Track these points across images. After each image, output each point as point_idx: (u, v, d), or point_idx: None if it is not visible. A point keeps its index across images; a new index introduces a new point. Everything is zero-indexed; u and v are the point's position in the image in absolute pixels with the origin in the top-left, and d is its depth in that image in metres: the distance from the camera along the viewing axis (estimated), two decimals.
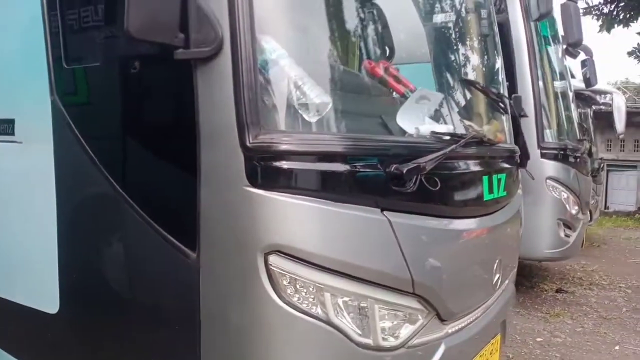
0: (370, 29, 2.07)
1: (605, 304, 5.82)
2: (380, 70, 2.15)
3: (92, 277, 1.89)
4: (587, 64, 7.18)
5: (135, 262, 1.80)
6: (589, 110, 9.84)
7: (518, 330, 4.86)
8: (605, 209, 15.28)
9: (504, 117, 3.17)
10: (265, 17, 1.65)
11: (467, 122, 2.76)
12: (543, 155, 5.06)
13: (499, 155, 2.68)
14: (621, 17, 13.18)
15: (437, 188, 1.89)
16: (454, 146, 1.96)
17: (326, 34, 1.86)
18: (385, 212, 1.73)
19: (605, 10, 13.21)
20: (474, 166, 2.26)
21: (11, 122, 2.07)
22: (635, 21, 13.31)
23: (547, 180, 5.08)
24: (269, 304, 1.56)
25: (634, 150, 15.16)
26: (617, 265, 8.01)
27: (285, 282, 1.58)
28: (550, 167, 5.10)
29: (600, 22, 13.19)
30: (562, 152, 5.19)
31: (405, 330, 1.87)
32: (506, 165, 2.75)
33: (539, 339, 4.67)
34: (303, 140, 1.60)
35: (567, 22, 4.66)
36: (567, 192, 5.20)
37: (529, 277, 6.68)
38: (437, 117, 2.33)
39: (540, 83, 5.24)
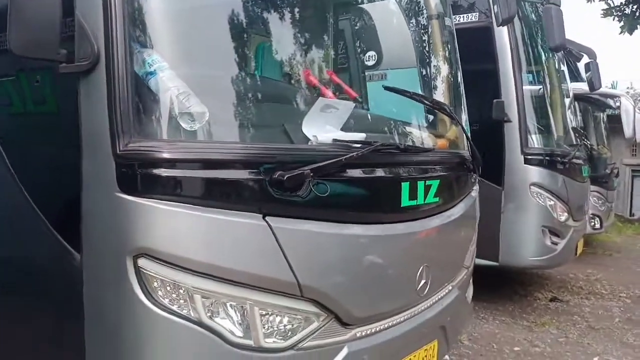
0: (262, 35, 2.11)
1: (598, 314, 5.67)
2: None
3: None
4: (591, 67, 7.04)
5: (28, 260, 1.91)
6: (601, 114, 9.58)
7: (497, 338, 4.80)
8: (630, 215, 14.78)
9: (450, 124, 3.17)
10: (145, 30, 1.73)
11: (400, 130, 2.79)
12: (527, 161, 5.00)
13: (431, 161, 2.69)
14: None
15: (328, 194, 1.92)
16: (353, 154, 1.99)
17: (213, 44, 1.93)
18: (267, 218, 1.78)
19: (627, 11, 12.85)
20: (384, 173, 2.28)
21: None
22: None
23: (531, 187, 5.01)
24: (139, 305, 1.63)
25: None
26: (624, 274, 7.77)
27: (156, 285, 1.65)
28: (535, 173, 5.02)
29: (622, 24, 12.83)
30: (547, 157, 5.10)
31: (297, 333, 1.91)
32: (442, 172, 2.75)
33: (516, 348, 4.60)
34: (174, 148, 1.66)
35: (548, 25, 4.59)
36: (553, 198, 5.10)
37: (525, 285, 6.57)
38: (350, 125, 2.35)
39: (527, 87, 5.17)
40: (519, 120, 4.96)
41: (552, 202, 5.08)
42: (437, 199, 2.62)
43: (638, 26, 12.91)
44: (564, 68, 6.76)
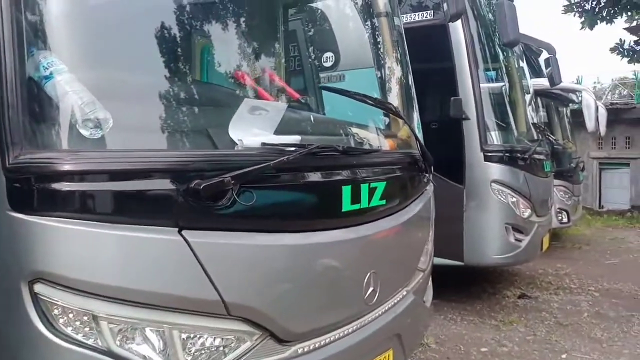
0: (179, 32, 1.96)
1: (566, 310, 5.64)
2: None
3: None
4: (551, 63, 7.07)
5: None
6: (565, 109, 9.66)
7: (465, 340, 4.71)
8: (600, 208, 15.00)
9: (398, 123, 3.07)
10: (39, 30, 1.57)
11: (345, 131, 2.67)
12: (487, 158, 4.94)
13: (376, 162, 2.57)
14: (604, 13, 13.00)
15: (256, 203, 1.78)
16: (283, 158, 1.86)
17: (119, 44, 1.77)
18: (184, 232, 1.63)
19: (587, 6, 13.04)
20: (322, 177, 2.15)
21: None
22: (619, 17, 13.13)
23: (492, 184, 4.95)
24: (37, 336, 1.47)
25: (626, 148, 14.87)
26: (593, 267, 7.81)
27: (56, 312, 1.48)
28: (495, 170, 4.96)
29: (582, 19, 13.01)
30: (507, 154, 5.05)
31: (228, 355, 1.77)
32: (388, 173, 2.63)
33: (483, 349, 4.52)
34: (74, 159, 1.50)
35: (501, 21, 4.55)
36: (515, 195, 5.05)
37: (494, 282, 6.52)
38: (291, 127, 2.23)
39: (484, 84, 5.12)
40: (477, 118, 4.90)
41: (514, 199, 5.02)
42: (383, 202, 2.50)
43: (598, 21, 13.13)
44: (524, 64, 6.76)
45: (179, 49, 1.95)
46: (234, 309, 1.74)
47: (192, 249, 1.62)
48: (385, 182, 2.53)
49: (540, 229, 5.57)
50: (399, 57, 3.50)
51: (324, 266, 2.11)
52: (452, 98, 4.85)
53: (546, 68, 7.20)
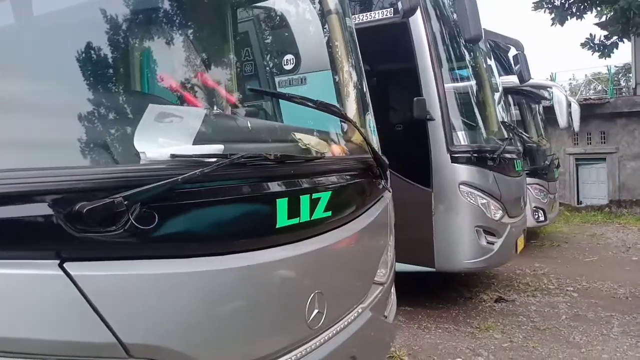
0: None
1: (544, 312, 5.46)
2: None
3: None
4: (519, 60, 6.94)
5: None
6: (537, 106, 9.55)
7: (439, 350, 4.50)
8: (578, 204, 14.97)
9: (349, 128, 2.84)
10: None
11: (285, 137, 2.45)
12: (454, 160, 4.74)
13: (319, 171, 2.33)
14: (574, 9, 13.03)
15: (161, 226, 1.54)
16: (194, 172, 1.61)
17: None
18: (67, 265, 1.37)
19: (557, 2, 13.06)
20: (250, 190, 1.90)
21: None
22: (589, 12, 13.16)
23: (461, 186, 4.76)
24: None
25: (601, 142, 14.86)
26: (571, 266, 7.67)
27: None
28: (463, 172, 4.77)
29: (552, 16, 13.03)
30: (475, 154, 4.86)
31: None
32: (335, 182, 2.41)
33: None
34: None
35: (462, 17, 4.37)
36: (485, 196, 4.87)
37: (471, 286, 6.33)
38: (211, 136, 1.99)
39: (449, 84, 4.94)
40: (443, 118, 4.71)
41: (484, 201, 4.83)
42: (329, 213, 2.27)
43: (568, 17, 13.16)
44: (492, 62, 6.61)
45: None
46: (136, 350, 1.48)
47: (76, 284, 1.37)
48: (331, 192, 2.30)
49: (514, 230, 5.39)
50: (349, 58, 3.27)
51: (254, 291, 1.86)
52: (415, 98, 4.65)
53: (515, 65, 7.06)
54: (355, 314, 2.55)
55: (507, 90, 8.13)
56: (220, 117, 2.25)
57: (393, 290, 3.25)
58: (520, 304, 5.78)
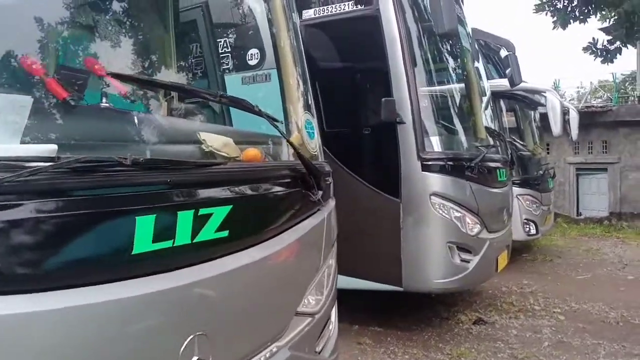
0: None
1: (525, 338, 4.97)
2: None
3: None
4: (510, 61, 6.47)
5: None
6: (532, 112, 9.07)
7: None
8: (577, 215, 14.44)
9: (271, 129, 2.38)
10: None
11: (169, 137, 2.00)
12: (425, 168, 4.28)
13: (217, 180, 1.88)
14: (577, 12, 12.53)
15: None
16: None
17: None
18: None
19: (559, 5, 12.56)
20: (88, 205, 1.45)
21: None
22: (593, 16, 12.66)
23: (432, 197, 4.29)
24: None
25: (603, 152, 14.31)
26: (562, 284, 7.18)
27: None
28: (435, 182, 4.31)
29: (554, 19, 12.52)
30: (450, 162, 4.39)
31: None
32: (240, 194, 1.96)
33: None
34: None
35: (436, 10, 3.94)
36: (460, 209, 4.40)
37: (450, 305, 5.85)
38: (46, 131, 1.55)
39: (424, 84, 4.48)
40: (414, 121, 4.25)
41: (458, 214, 4.37)
42: (224, 234, 1.83)
43: (571, 21, 12.65)
44: (479, 63, 6.15)
45: None
46: None
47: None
48: (231, 207, 1.86)
49: (494, 246, 4.91)
50: (289, 56, 2.84)
51: (93, 339, 1.41)
52: (384, 99, 4.20)
53: (505, 67, 6.59)
54: (268, 354, 2.10)
55: (499, 95, 7.68)
56: (82, 110, 1.80)
57: (334, 318, 2.80)
58: (501, 326, 5.29)
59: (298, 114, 2.69)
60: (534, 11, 12.81)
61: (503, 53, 6.86)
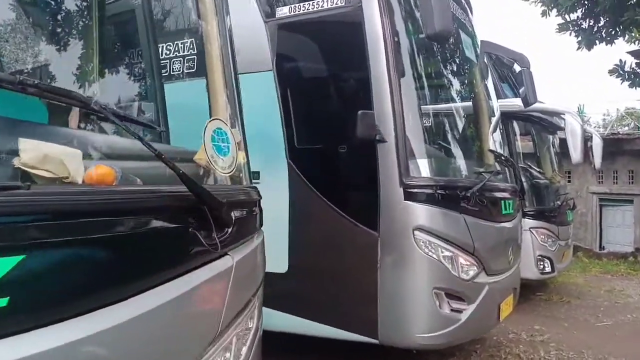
0: None
1: None
2: None
3: None
4: (524, 78, 5.70)
5: None
6: (550, 136, 8.26)
7: None
8: (600, 249, 13.39)
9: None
10: None
11: None
12: (408, 196, 3.54)
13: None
14: (603, 33, 11.74)
15: None
16: None
17: None
18: None
19: (585, 25, 11.79)
20: None
21: None
22: (621, 37, 11.86)
23: (416, 232, 3.54)
24: None
25: (629, 182, 13.30)
26: (580, 331, 6.28)
27: None
28: (420, 213, 3.56)
29: (579, 39, 11.77)
30: (440, 190, 3.64)
31: None
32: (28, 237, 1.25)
33: None
34: None
35: (426, 10, 3.25)
36: (450, 248, 3.63)
37: (447, 354, 5.02)
38: None
39: (411, 97, 3.76)
40: (397, 139, 3.53)
41: (448, 253, 3.60)
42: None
43: (597, 42, 11.88)
44: (487, 79, 5.42)
45: None
46: None
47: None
48: (22, 258, 1.16)
49: (495, 292, 4.11)
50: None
51: None
52: (360, 112, 3.50)
53: (519, 85, 5.82)
54: None
55: (512, 116, 6.92)
56: None
57: None
58: None
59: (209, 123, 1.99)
60: (557, 31, 12.09)
61: (517, 68, 6.11)
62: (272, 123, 3.97)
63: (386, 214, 3.57)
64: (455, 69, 4.50)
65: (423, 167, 3.64)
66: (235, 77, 2.33)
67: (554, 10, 12.18)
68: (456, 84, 4.49)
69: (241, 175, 2.14)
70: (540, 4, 12.46)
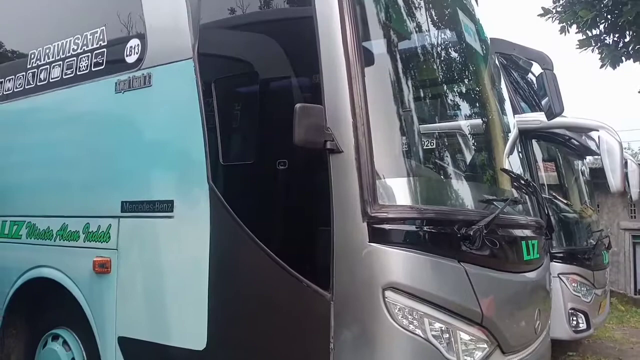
0: None
1: None
2: None
3: None
4: (545, 81, 4.40)
5: None
6: (579, 161, 6.94)
7: None
8: (635, 294, 11.80)
9: None
10: None
11: None
12: (377, 236, 2.25)
13: None
14: (629, 49, 10.57)
15: None
16: None
17: None
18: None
19: (608, 40, 10.63)
20: None
21: None
22: None
23: (388, 294, 2.22)
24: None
25: None
26: None
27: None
28: (396, 264, 2.24)
29: (602, 56, 10.62)
30: (428, 226, 2.35)
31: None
32: None
33: None
34: None
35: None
36: (445, 318, 2.30)
37: None
38: None
39: (380, 87, 2.53)
40: (358, 148, 2.27)
41: (440, 326, 2.27)
42: None
43: (623, 58, 10.71)
44: (500, 83, 4.21)
45: None
46: None
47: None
48: None
49: None
50: None
51: None
52: (298, 105, 2.27)
53: (540, 91, 4.54)
54: None
55: (531, 135, 5.64)
56: None
57: None
58: None
59: None
60: (578, 47, 10.93)
61: (536, 70, 4.88)
62: (191, 130, 2.78)
63: (342, 265, 2.27)
64: (452, 52, 3.27)
65: (399, 191, 2.36)
66: None
67: (574, 27, 11.09)
68: (452, 72, 3.26)
69: None
70: (557, 21, 11.42)
